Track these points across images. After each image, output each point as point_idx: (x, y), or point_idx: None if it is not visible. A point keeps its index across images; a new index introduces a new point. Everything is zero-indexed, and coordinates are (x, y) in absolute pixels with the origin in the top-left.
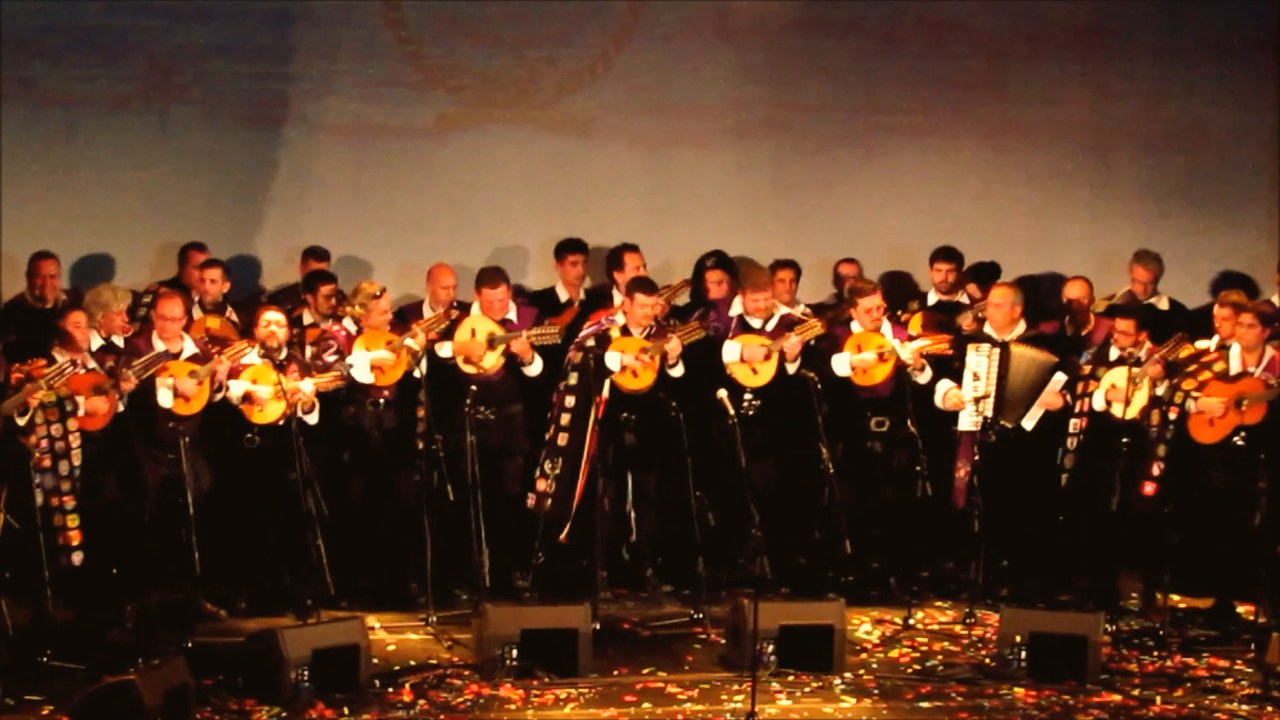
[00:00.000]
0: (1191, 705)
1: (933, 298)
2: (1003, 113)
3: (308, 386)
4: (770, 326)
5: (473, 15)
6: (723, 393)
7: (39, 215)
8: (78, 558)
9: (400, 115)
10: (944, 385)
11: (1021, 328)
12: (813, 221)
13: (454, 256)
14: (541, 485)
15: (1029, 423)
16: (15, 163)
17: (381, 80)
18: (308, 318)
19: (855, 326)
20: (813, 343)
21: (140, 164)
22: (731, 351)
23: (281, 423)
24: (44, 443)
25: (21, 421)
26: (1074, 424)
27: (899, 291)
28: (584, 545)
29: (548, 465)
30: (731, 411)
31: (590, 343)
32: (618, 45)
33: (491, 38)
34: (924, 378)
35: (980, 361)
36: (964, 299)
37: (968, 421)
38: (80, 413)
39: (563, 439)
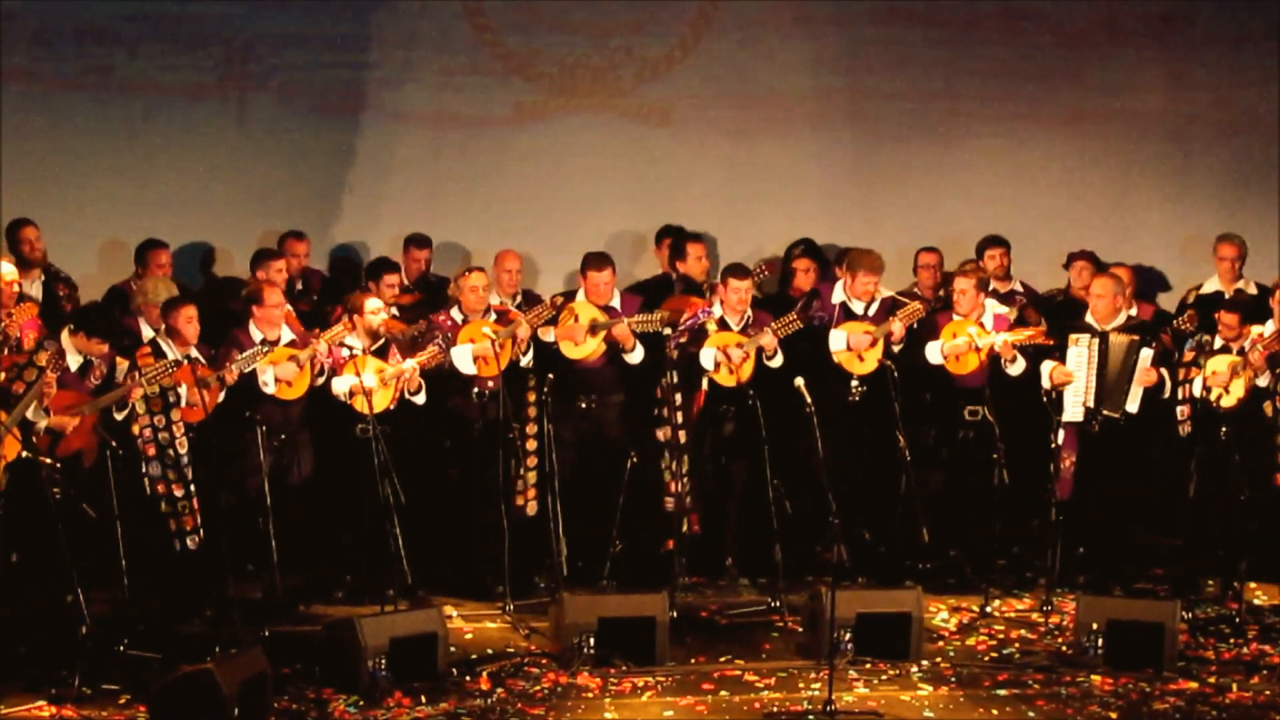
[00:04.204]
0: (1268, 693)
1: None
2: (1080, 101)
3: (410, 366)
4: (873, 311)
5: (551, 4)
6: (800, 380)
7: (114, 203)
8: (193, 541)
9: (478, 104)
10: (1048, 365)
11: (1122, 317)
12: (891, 210)
13: (531, 245)
14: (675, 487)
15: (1133, 405)
16: (93, 151)
17: (460, 69)
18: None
19: (955, 315)
20: (914, 326)
21: (217, 153)
22: (838, 340)
23: (393, 407)
24: (147, 432)
25: (119, 416)
26: (1181, 411)
27: None
28: (667, 533)
29: (675, 466)
30: (809, 400)
31: (685, 339)
32: (696, 34)
33: (569, 26)
34: (1016, 369)
35: (1081, 353)
36: (1017, 286)
37: (1072, 412)
38: (183, 404)
39: (682, 436)
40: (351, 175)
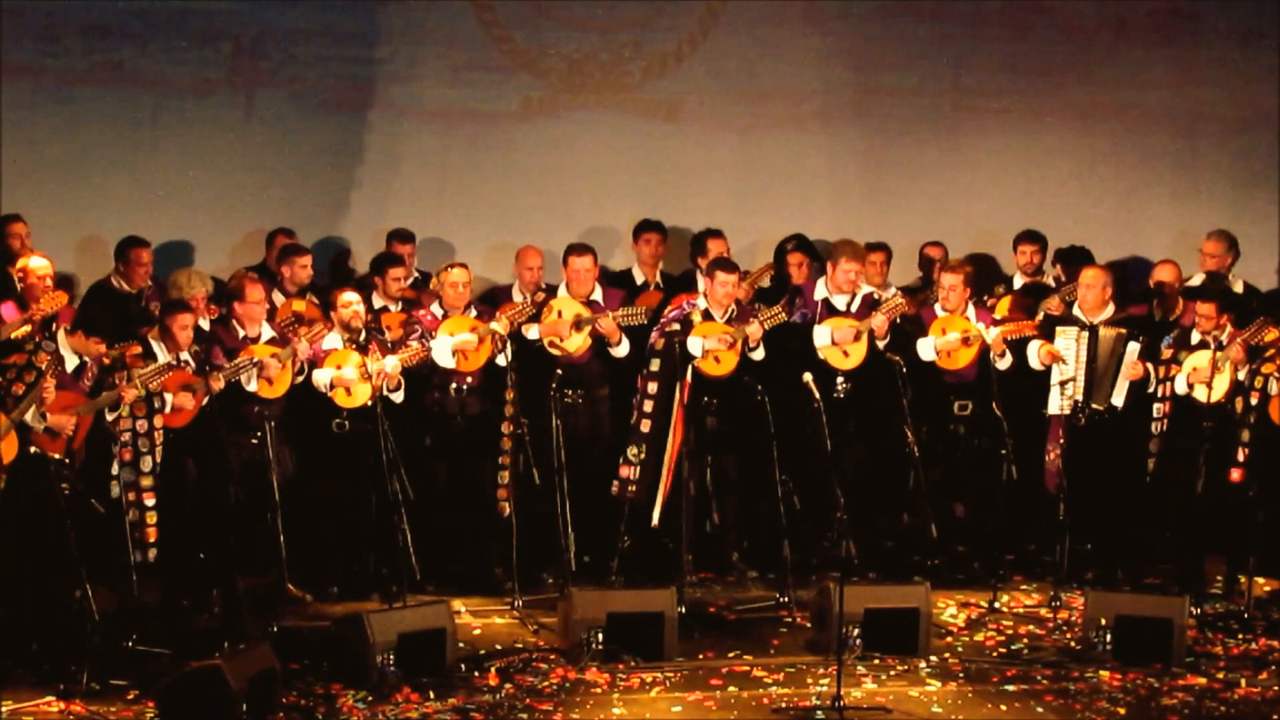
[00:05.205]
0: (1276, 688)
1: (1018, 281)
2: (1089, 97)
3: (391, 363)
4: (855, 307)
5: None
6: (808, 376)
7: (124, 199)
8: (154, 554)
9: (486, 99)
10: (1035, 344)
11: (1111, 310)
12: (899, 205)
13: (540, 240)
14: (625, 472)
15: (1118, 398)
16: (102, 146)
17: (468, 64)
18: (377, 301)
19: (939, 310)
20: (898, 320)
21: (226, 148)
22: (822, 335)
23: (371, 403)
24: (126, 435)
25: (111, 417)
26: (1157, 408)
27: (984, 275)
28: (671, 529)
29: (632, 452)
30: (817, 395)
31: (673, 327)
32: (704, 29)
33: (577, 21)
34: (1004, 363)
35: (1069, 345)
36: (1050, 281)
37: (1058, 405)
38: (167, 409)
39: (646, 425)
40: (359, 171)
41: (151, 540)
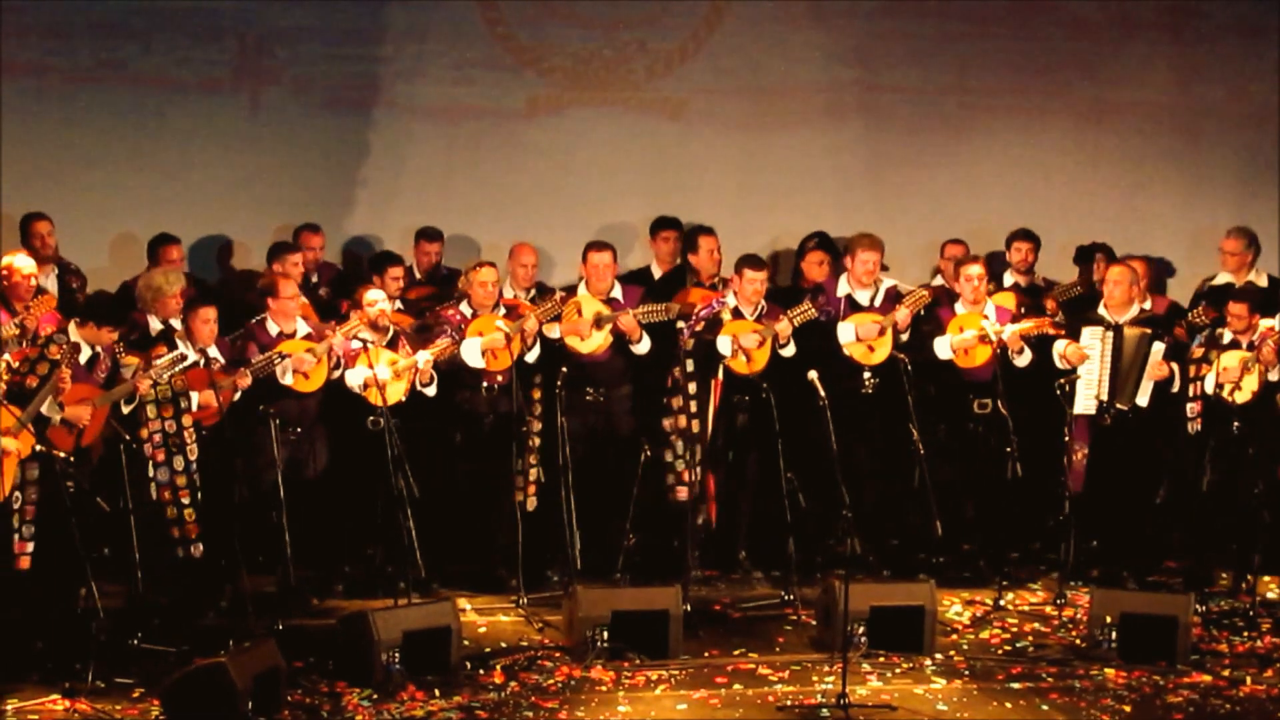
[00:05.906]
0: None
1: (1009, 279)
2: (1093, 94)
3: (423, 358)
4: (878, 302)
5: None
6: (813, 374)
7: (127, 197)
8: (198, 550)
9: (491, 97)
10: (1060, 344)
11: (1136, 309)
12: (904, 203)
13: (544, 238)
14: (688, 476)
15: (1143, 398)
16: (106, 145)
17: (472, 62)
18: None
19: (959, 308)
20: (921, 313)
21: (231, 147)
22: (846, 332)
23: (404, 400)
24: (157, 437)
25: (126, 410)
26: (1190, 408)
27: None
28: (677, 527)
29: (688, 455)
30: (822, 393)
31: (700, 327)
32: (708, 27)
33: (582, 20)
34: (1023, 360)
35: (1094, 344)
36: (1040, 282)
37: (1083, 405)
38: (194, 407)
39: (695, 426)
40: (364, 169)
41: (194, 536)
